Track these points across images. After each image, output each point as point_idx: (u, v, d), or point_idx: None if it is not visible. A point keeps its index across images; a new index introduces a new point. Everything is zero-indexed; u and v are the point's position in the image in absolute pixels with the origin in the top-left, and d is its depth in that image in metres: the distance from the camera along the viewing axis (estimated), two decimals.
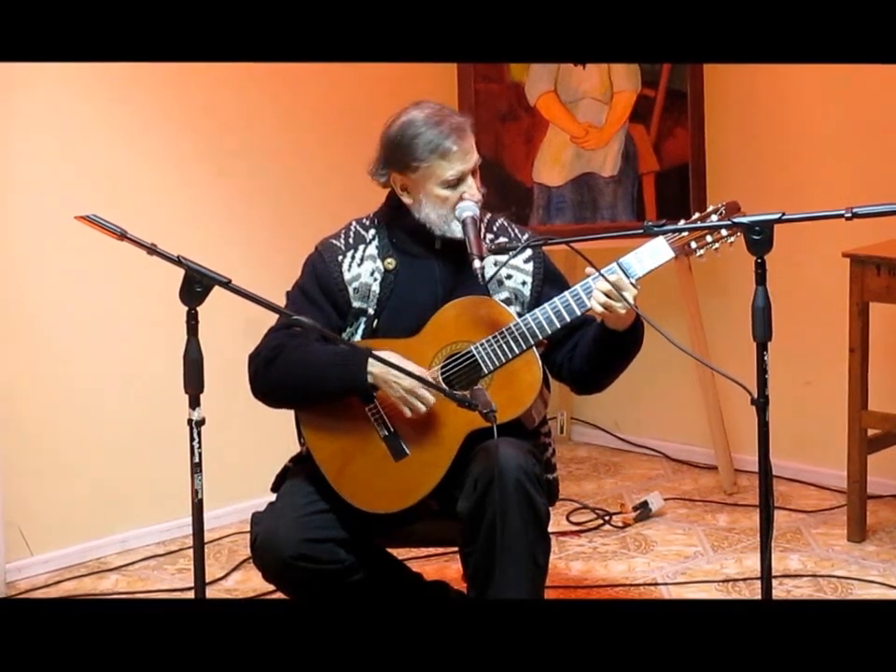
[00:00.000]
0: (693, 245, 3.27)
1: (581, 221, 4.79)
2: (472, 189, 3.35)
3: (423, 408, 3.26)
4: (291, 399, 3.40)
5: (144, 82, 4.43)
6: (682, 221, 3.27)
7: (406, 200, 3.39)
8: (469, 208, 3.34)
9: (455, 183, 3.34)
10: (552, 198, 4.80)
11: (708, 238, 3.26)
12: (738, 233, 3.09)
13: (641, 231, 3.11)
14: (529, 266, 3.44)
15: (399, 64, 4.31)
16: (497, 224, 3.49)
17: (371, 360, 3.24)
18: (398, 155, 3.36)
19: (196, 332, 2.88)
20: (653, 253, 3.27)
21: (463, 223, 3.32)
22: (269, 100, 4.74)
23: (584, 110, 4.79)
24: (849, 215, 2.98)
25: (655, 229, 3.10)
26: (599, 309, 3.23)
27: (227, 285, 2.89)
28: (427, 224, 3.37)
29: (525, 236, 3.46)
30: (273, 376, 3.35)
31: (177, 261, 2.87)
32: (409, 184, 3.37)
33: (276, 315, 3.25)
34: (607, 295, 3.21)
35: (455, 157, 3.33)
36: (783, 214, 3.02)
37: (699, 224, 3.24)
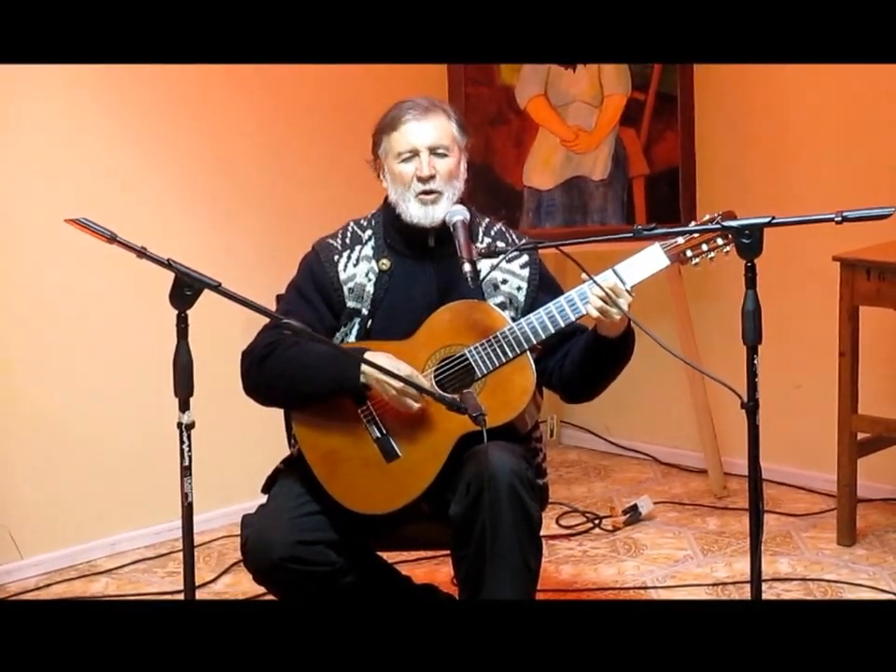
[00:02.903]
0: (689, 253, 3.26)
1: (571, 225, 4.79)
2: (424, 164, 3.33)
3: (415, 405, 3.26)
4: (283, 397, 3.40)
5: (135, 86, 4.43)
6: (681, 239, 3.27)
7: (383, 185, 3.42)
8: (459, 212, 3.34)
9: (409, 157, 3.35)
10: (542, 201, 4.80)
11: (704, 247, 3.26)
12: (734, 242, 3.09)
13: (631, 234, 3.11)
14: (525, 272, 3.44)
15: (389, 68, 4.33)
16: (495, 229, 3.49)
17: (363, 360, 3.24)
18: (373, 136, 3.42)
19: (186, 336, 2.88)
20: (649, 261, 3.27)
21: (453, 227, 3.32)
22: (260, 102, 4.74)
23: (574, 114, 4.80)
24: (839, 218, 2.98)
25: (645, 232, 3.10)
26: (595, 314, 3.22)
27: (216, 288, 2.88)
28: (395, 208, 3.38)
29: (522, 241, 3.46)
30: (266, 373, 3.34)
31: (167, 265, 2.86)
32: (381, 166, 3.41)
33: None
34: (602, 301, 3.21)
35: (409, 129, 3.35)
36: (773, 217, 3.02)
37: (689, 228, 3.23)
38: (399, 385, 3.21)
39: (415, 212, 3.36)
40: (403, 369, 3.24)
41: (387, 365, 3.21)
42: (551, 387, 3.46)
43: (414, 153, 3.35)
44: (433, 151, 3.36)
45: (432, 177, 3.34)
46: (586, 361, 3.34)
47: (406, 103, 3.39)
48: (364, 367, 3.24)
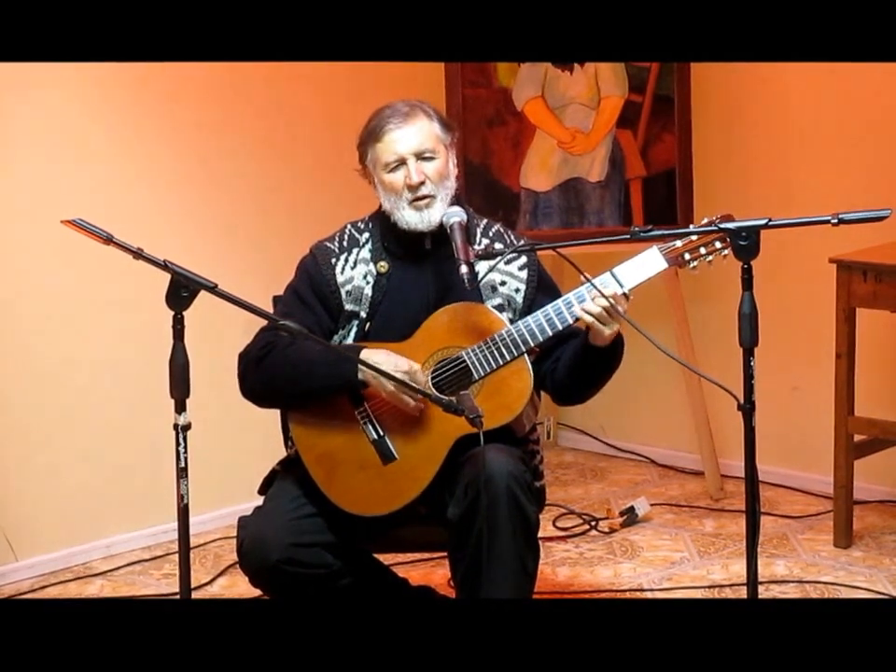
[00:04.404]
0: (687, 256, 3.26)
1: (569, 226, 4.79)
2: (412, 172, 3.33)
3: (412, 402, 3.25)
4: (281, 397, 3.39)
5: (131, 86, 4.42)
6: (679, 242, 3.27)
7: (376, 194, 3.41)
8: (456, 214, 3.34)
9: (396, 166, 3.35)
10: (539, 203, 4.80)
11: (702, 250, 3.25)
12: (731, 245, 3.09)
13: (628, 236, 3.11)
14: (524, 274, 3.43)
15: (388, 69, 4.33)
16: (493, 230, 3.48)
17: (361, 356, 3.23)
18: (358, 147, 3.41)
19: (182, 337, 2.88)
20: (647, 264, 3.26)
21: (450, 228, 3.32)
22: (257, 103, 4.73)
23: (571, 115, 4.79)
24: (836, 220, 2.99)
25: (643, 234, 3.10)
26: (589, 318, 3.22)
27: (213, 289, 2.88)
28: (391, 216, 3.37)
29: (521, 242, 3.46)
30: (262, 374, 3.34)
31: (164, 266, 2.86)
32: (370, 175, 3.41)
33: None
34: (600, 306, 3.20)
35: (392, 138, 3.34)
36: (770, 219, 3.03)
37: (686, 230, 3.23)
38: (396, 378, 3.20)
39: (411, 218, 3.35)
40: (402, 364, 3.24)
41: (385, 361, 3.22)
42: (544, 389, 3.46)
43: (401, 161, 3.34)
44: (419, 156, 3.34)
45: (422, 183, 3.33)
46: (576, 367, 3.33)
47: (385, 110, 3.38)
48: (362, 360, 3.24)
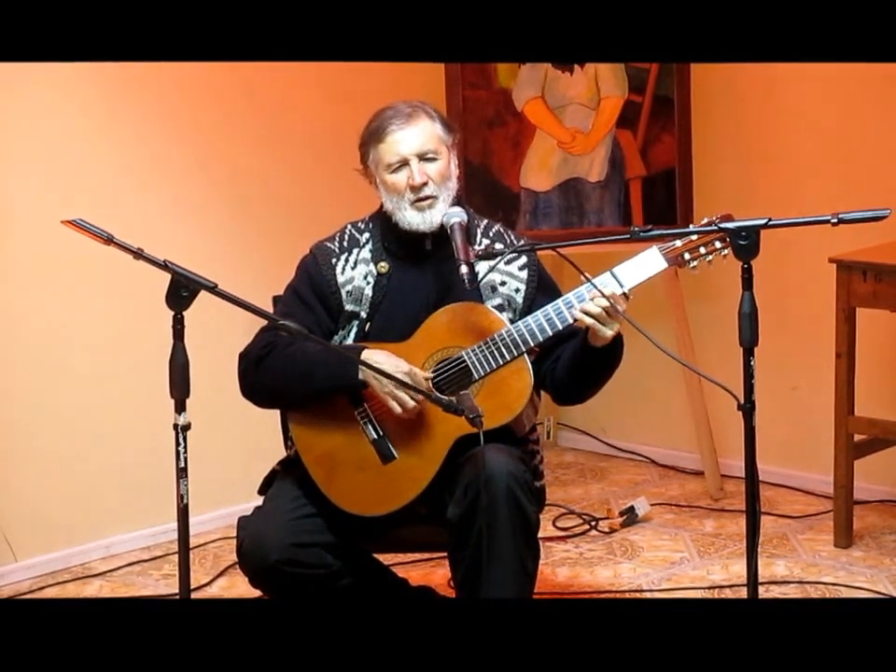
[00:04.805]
0: (687, 256, 3.26)
1: (568, 226, 4.79)
2: (415, 172, 3.33)
3: (412, 402, 3.25)
4: (282, 397, 3.39)
5: (130, 86, 4.42)
6: (679, 242, 3.27)
7: (378, 194, 3.41)
8: (457, 214, 3.34)
9: (398, 167, 3.35)
10: (539, 203, 4.80)
11: (702, 250, 3.25)
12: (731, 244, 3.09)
13: (628, 236, 3.11)
14: (524, 274, 3.43)
15: (387, 71, 4.32)
16: (494, 230, 3.48)
17: (362, 358, 3.23)
18: (360, 147, 3.41)
19: (182, 337, 2.88)
20: (647, 263, 3.26)
21: (450, 229, 3.32)
22: (256, 103, 4.73)
23: (571, 116, 4.80)
24: (835, 220, 2.99)
25: (642, 234, 3.10)
26: (589, 321, 3.22)
27: (213, 289, 2.88)
28: (392, 217, 3.37)
29: (521, 242, 3.46)
30: (263, 374, 3.34)
31: (164, 266, 2.86)
32: (372, 175, 3.40)
33: None
34: (600, 307, 3.20)
35: (395, 139, 3.34)
36: (769, 219, 3.03)
37: (686, 230, 3.23)
38: (397, 378, 3.20)
39: (413, 219, 3.35)
40: (402, 366, 3.24)
41: (386, 362, 3.22)
42: (543, 388, 3.46)
43: (403, 162, 3.34)
44: (422, 157, 3.34)
45: (425, 184, 3.34)
46: (575, 367, 3.33)
47: (388, 111, 3.38)
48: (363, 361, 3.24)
